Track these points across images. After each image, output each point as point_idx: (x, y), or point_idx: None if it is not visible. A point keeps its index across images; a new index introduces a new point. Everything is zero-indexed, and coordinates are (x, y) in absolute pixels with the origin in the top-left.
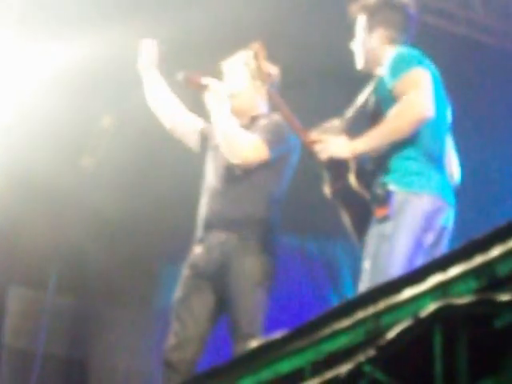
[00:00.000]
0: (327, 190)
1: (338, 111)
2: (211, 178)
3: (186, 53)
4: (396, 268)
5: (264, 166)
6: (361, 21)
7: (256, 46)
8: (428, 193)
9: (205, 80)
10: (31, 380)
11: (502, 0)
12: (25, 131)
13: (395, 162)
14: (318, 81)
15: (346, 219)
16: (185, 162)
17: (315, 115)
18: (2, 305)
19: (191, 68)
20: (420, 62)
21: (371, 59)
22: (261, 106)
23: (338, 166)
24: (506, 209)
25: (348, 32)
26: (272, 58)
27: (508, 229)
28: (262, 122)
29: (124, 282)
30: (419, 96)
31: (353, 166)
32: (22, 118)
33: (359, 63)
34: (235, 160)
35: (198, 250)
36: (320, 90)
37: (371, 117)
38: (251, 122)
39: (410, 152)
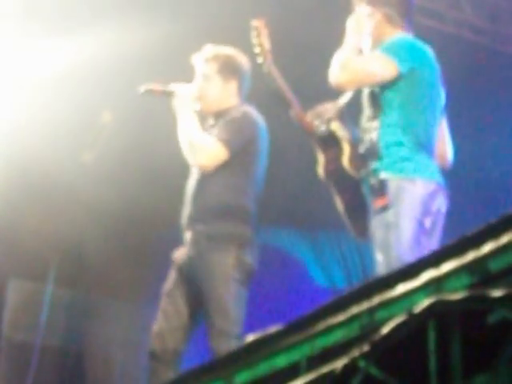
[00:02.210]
0: (321, 171)
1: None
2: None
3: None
4: (409, 254)
5: (226, 162)
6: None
7: (258, 22)
8: (421, 177)
9: (170, 87)
10: (29, 372)
11: (490, 1)
12: (26, 125)
13: (385, 148)
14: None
15: (338, 203)
16: (183, 156)
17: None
18: (1, 297)
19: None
20: (407, 60)
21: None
22: (229, 98)
23: (332, 148)
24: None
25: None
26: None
27: (500, 225)
28: (226, 118)
29: (122, 275)
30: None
31: (347, 149)
32: (23, 112)
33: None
34: (196, 166)
35: (182, 247)
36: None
37: (367, 102)
38: (217, 118)
39: (400, 138)
